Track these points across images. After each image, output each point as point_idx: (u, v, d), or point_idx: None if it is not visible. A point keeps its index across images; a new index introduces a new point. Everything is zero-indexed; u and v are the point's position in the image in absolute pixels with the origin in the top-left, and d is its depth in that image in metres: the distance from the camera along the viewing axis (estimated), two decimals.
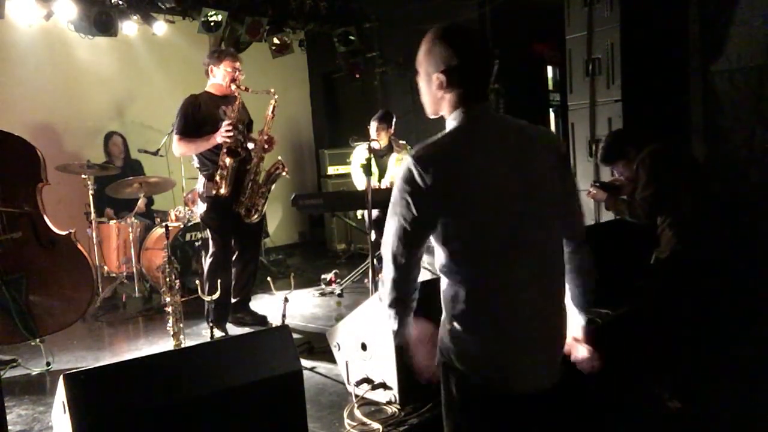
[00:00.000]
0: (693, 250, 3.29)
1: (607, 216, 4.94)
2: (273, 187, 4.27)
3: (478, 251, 1.58)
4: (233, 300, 4.30)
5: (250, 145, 4.18)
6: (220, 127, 3.91)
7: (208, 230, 4.24)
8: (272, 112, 4.16)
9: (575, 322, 1.79)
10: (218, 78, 4.10)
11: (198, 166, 4.16)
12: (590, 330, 1.80)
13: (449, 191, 1.54)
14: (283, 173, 4.25)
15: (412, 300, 1.71)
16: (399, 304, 1.69)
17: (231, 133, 3.87)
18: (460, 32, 1.62)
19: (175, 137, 4.07)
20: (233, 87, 4.07)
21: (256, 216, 4.18)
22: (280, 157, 4.33)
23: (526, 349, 1.62)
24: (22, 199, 3.59)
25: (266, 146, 4.15)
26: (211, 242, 4.19)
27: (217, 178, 3.99)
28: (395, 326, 1.71)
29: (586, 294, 1.77)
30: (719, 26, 4.80)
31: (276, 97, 4.13)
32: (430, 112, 1.71)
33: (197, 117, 4.04)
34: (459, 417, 1.69)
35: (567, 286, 1.76)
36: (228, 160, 3.94)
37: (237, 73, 4.07)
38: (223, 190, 3.98)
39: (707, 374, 3.45)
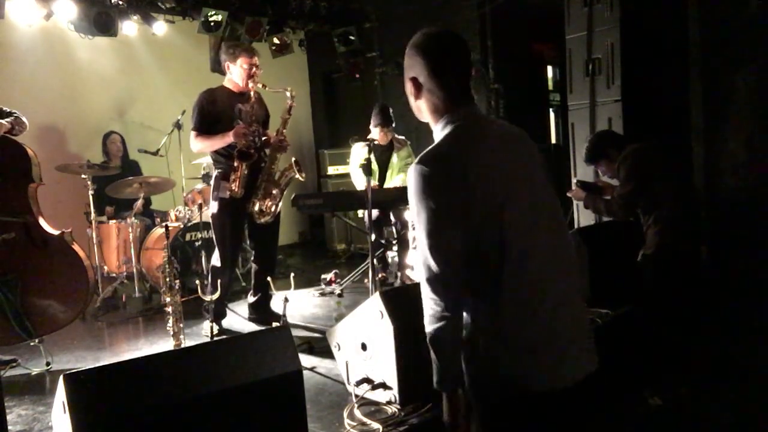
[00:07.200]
0: (676, 245, 3.32)
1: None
2: (286, 188, 4.20)
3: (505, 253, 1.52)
4: (253, 299, 4.32)
5: (264, 139, 4.12)
6: (234, 126, 3.89)
7: (213, 230, 4.15)
8: (289, 111, 4.12)
9: None
10: (235, 75, 4.02)
11: (212, 161, 4.16)
12: None
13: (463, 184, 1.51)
14: (296, 175, 4.15)
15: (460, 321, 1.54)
16: (448, 327, 1.51)
17: (244, 131, 3.88)
18: (434, 37, 1.67)
19: (192, 133, 4.02)
20: (250, 85, 3.99)
21: (268, 217, 4.11)
22: (294, 159, 4.22)
23: (550, 347, 1.57)
24: (13, 203, 3.54)
25: (279, 147, 4.10)
26: (217, 242, 4.13)
27: (231, 178, 3.96)
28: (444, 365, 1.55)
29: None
30: (719, 26, 4.80)
31: (294, 95, 4.08)
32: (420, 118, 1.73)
33: (212, 113, 3.97)
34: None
35: None
36: (236, 163, 3.93)
37: (254, 69, 3.98)
38: (236, 190, 3.95)
39: (697, 372, 3.44)
